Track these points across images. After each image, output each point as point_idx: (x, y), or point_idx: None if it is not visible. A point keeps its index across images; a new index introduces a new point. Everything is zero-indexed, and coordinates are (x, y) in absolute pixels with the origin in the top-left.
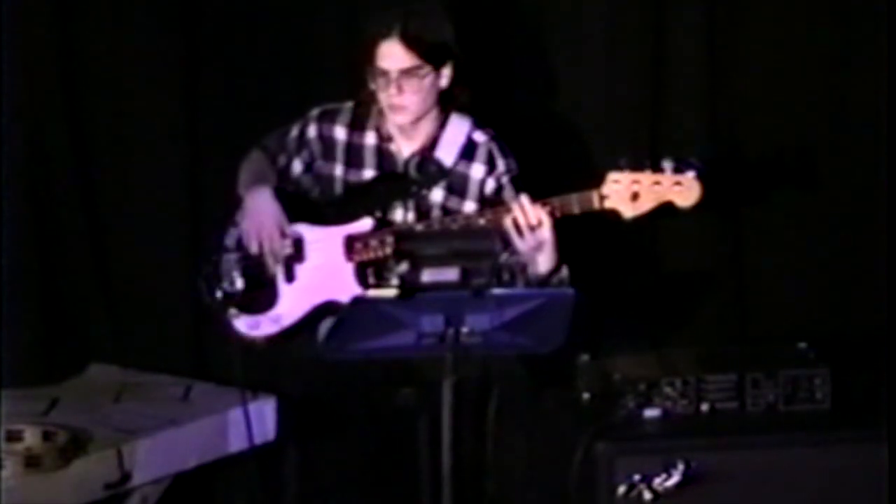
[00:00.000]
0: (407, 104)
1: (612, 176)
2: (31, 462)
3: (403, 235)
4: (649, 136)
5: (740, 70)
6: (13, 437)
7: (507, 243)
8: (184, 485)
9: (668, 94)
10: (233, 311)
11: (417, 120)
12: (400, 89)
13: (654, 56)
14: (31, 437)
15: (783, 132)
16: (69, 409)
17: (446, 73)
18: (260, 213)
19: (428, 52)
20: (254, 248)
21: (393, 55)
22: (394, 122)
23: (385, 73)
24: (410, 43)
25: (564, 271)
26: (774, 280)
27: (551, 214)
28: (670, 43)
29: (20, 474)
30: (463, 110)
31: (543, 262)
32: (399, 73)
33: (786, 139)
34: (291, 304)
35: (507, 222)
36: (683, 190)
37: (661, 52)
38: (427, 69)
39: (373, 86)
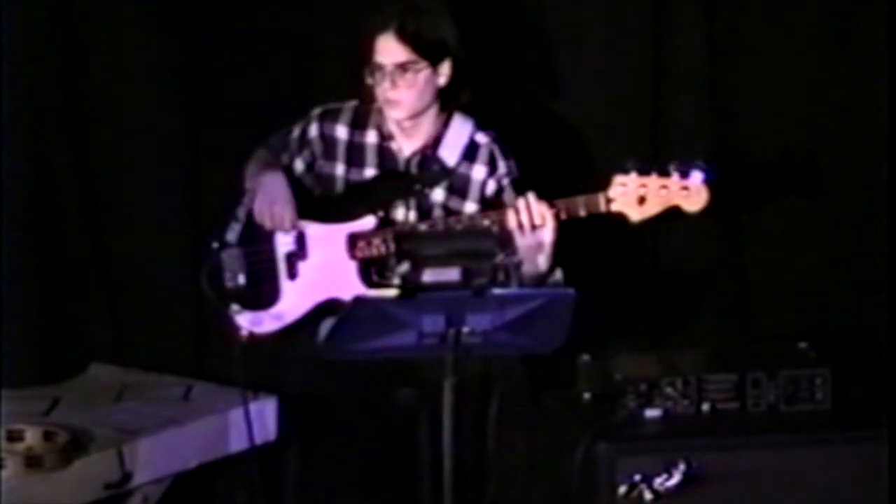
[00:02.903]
0: (401, 98)
1: (619, 179)
2: (32, 462)
3: (405, 235)
4: (650, 136)
5: (742, 71)
6: (14, 436)
7: (505, 243)
8: (185, 485)
9: (669, 94)
10: (235, 307)
11: (415, 117)
12: (394, 83)
13: (655, 57)
14: (31, 437)
15: (785, 134)
16: (70, 409)
17: (444, 71)
18: (273, 193)
19: (423, 48)
20: (267, 225)
21: (388, 49)
22: (390, 117)
23: (381, 68)
24: (405, 37)
25: (559, 273)
26: (775, 280)
27: (556, 216)
28: (671, 44)
29: (21, 474)
30: (464, 109)
31: (540, 263)
32: (394, 66)
33: (787, 141)
34: (294, 300)
35: (511, 218)
36: (691, 195)
37: (661, 53)
38: (422, 64)
39: (370, 80)
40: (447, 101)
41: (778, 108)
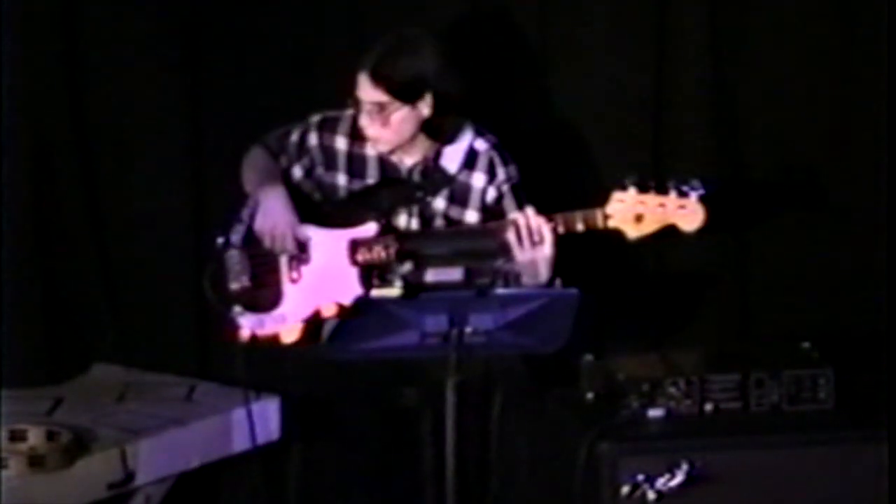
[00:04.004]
0: (379, 135)
1: (617, 195)
2: (35, 462)
3: (407, 236)
4: (651, 146)
5: (744, 81)
6: (17, 436)
7: (505, 250)
8: (187, 484)
9: (670, 104)
10: (237, 308)
11: (399, 148)
12: (372, 120)
13: (657, 67)
14: (34, 437)
15: (787, 139)
16: (73, 409)
17: (427, 104)
18: (275, 212)
19: (396, 90)
20: (267, 244)
21: (364, 88)
22: (374, 149)
23: (359, 102)
24: (378, 80)
25: (557, 283)
26: (778, 280)
27: (554, 230)
28: (673, 54)
29: (24, 474)
30: (451, 140)
31: (541, 275)
32: (370, 105)
33: (789, 145)
34: (295, 304)
35: (511, 234)
36: (687, 214)
37: (663, 62)
38: (396, 105)
39: (353, 111)
40: (434, 132)
41: (780, 117)
